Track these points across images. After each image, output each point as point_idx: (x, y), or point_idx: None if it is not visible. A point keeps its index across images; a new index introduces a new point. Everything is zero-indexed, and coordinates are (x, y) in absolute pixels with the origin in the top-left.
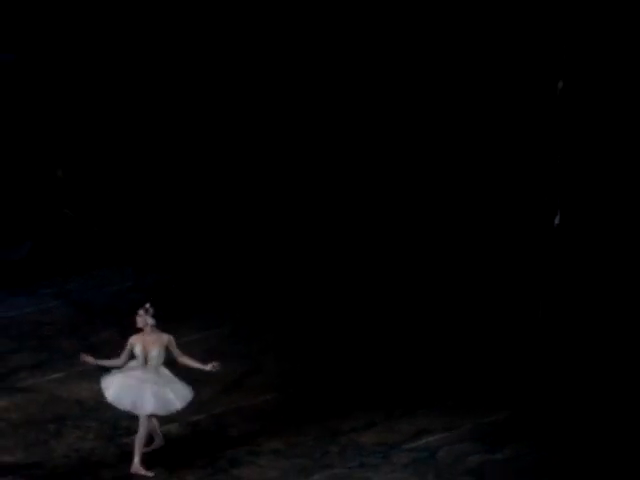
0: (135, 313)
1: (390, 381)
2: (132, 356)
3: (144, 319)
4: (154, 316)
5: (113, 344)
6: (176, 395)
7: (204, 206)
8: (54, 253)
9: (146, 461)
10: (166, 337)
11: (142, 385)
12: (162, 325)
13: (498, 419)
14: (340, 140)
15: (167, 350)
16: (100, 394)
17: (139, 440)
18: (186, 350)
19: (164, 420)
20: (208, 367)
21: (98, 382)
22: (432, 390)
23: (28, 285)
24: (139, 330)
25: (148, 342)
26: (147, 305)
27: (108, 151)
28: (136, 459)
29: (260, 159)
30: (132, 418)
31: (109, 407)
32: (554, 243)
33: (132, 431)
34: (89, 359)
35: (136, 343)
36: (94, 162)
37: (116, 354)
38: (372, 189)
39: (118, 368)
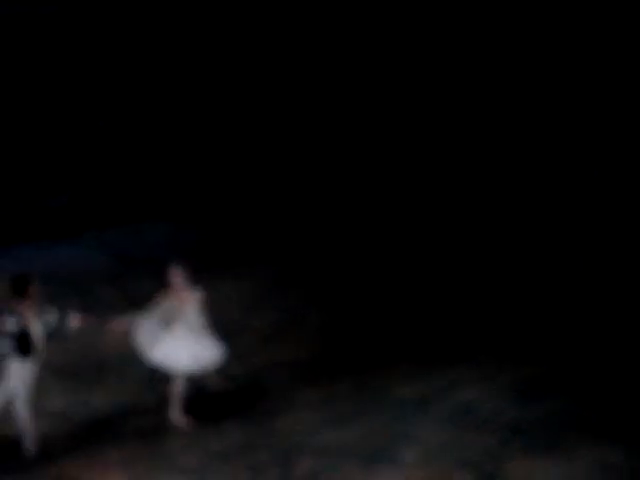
0: (169, 269)
1: (428, 334)
2: (166, 312)
3: (177, 276)
4: (187, 272)
5: (151, 295)
6: (211, 350)
7: (243, 158)
8: (95, 203)
9: (183, 412)
10: (198, 293)
11: (177, 342)
12: (200, 279)
13: (535, 373)
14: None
15: (200, 306)
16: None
17: (176, 392)
18: (224, 303)
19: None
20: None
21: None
22: (469, 344)
23: (69, 235)
24: (172, 286)
25: (181, 299)
26: (180, 262)
27: (149, 102)
28: (174, 410)
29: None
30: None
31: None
32: (593, 196)
33: (170, 378)
34: (120, 324)
35: (169, 300)
36: (135, 113)
37: (152, 307)
38: (408, 158)
39: (151, 324)
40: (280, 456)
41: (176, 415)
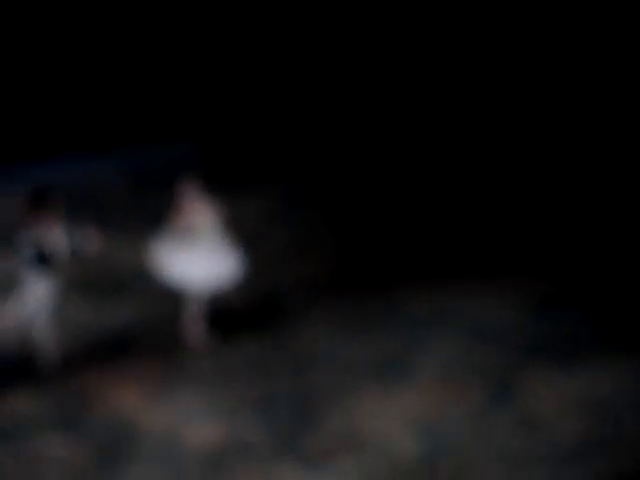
0: (185, 183)
1: (444, 251)
2: (182, 230)
3: (194, 193)
4: (203, 186)
5: (170, 212)
6: (229, 267)
7: (260, 78)
8: (115, 120)
9: (200, 327)
10: (215, 207)
11: (193, 259)
12: (216, 195)
13: (552, 288)
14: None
15: (218, 219)
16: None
17: (193, 308)
18: (242, 216)
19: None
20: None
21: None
22: (486, 260)
23: (87, 152)
24: (187, 202)
25: (197, 214)
26: (194, 176)
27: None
28: (191, 325)
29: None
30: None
31: None
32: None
33: (187, 296)
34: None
35: (185, 216)
36: (156, 30)
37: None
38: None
39: (167, 242)
40: (295, 370)
41: (193, 330)
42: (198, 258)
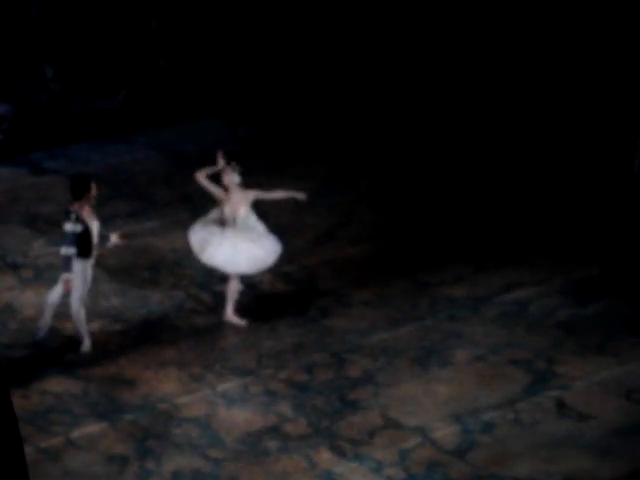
0: (222, 166)
1: (480, 235)
2: (220, 213)
3: (230, 177)
4: (239, 169)
5: (206, 195)
6: (266, 251)
7: (296, 58)
8: (149, 103)
9: (238, 310)
10: (252, 193)
11: (232, 243)
12: (254, 177)
13: (588, 274)
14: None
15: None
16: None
17: (231, 291)
18: (277, 201)
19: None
20: (299, 195)
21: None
22: (522, 245)
23: (123, 134)
24: (225, 186)
25: (235, 201)
26: (233, 163)
27: (202, 4)
28: (229, 308)
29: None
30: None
31: None
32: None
33: (226, 279)
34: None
35: (223, 203)
36: (188, 11)
37: (209, 204)
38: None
39: (206, 225)
40: (333, 356)
41: (231, 315)
42: (236, 241)
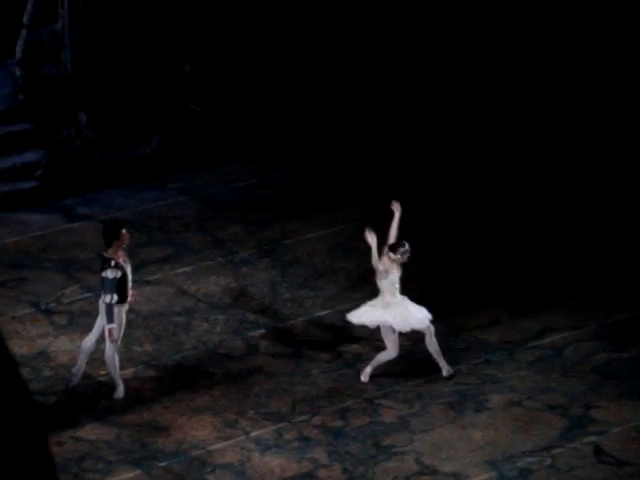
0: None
1: (515, 279)
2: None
3: (401, 257)
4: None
5: (239, 240)
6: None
7: (332, 100)
8: (181, 148)
9: (274, 355)
10: (399, 257)
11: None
12: (286, 223)
13: (624, 318)
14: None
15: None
16: (228, 288)
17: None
18: (311, 247)
19: (289, 315)
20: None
21: (225, 276)
22: (557, 289)
23: (156, 180)
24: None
25: (396, 268)
26: (406, 245)
27: (235, 47)
28: (368, 368)
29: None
30: (258, 312)
31: (235, 301)
32: None
33: (259, 324)
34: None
35: (392, 269)
36: (221, 57)
37: (242, 249)
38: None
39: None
40: (367, 401)
41: (367, 373)
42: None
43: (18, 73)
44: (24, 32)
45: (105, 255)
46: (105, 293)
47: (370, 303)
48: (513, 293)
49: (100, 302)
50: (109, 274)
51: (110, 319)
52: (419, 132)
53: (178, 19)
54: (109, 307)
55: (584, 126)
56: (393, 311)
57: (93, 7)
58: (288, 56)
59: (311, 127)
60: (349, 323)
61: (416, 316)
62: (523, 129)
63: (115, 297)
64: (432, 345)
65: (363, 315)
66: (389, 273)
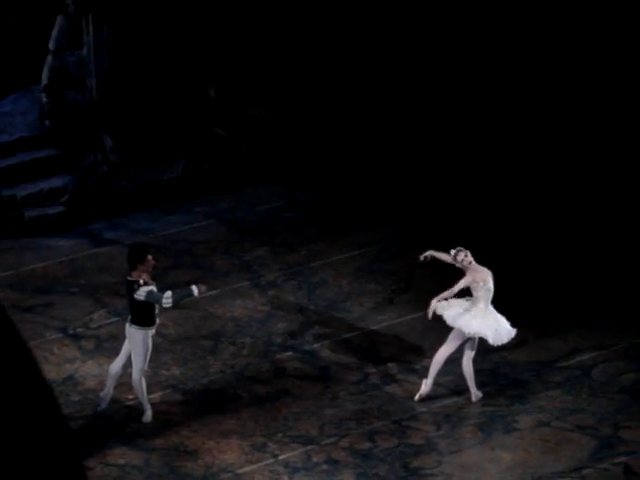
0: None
1: (543, 299)
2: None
3: (465, 258)
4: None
5: (265, 263)
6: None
7: (357, 125)
8: (206, 172)
9: (301, 378)
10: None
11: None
12: (312, 245)
13: None
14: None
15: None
16: (255, 311)
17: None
18: (337, 269)
19: (316, 337)
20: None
21: (252, 299)
22: (584, 309)
23: (182, 204)
24: (461, 269)
25: (484, 277)
26: (460, 249)
27: (259, 70)
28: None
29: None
30: (284, 335)
31: (262, 324)
32: None
33: (286, 347)
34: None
35: (482, 279)
36: (246, 81)
37: (268, 272)
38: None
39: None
40: (395, 423)
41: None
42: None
43: (44, 99)
44: (50, 58)
45: (129, 279)
46: (159, 303)
47: (460, 303)
48: (540, 314)
49: (126, 326)
50: (142, 292)
51: (182, 297)
52: (443, 156)
53: (202, 44)
54: (180, 299)
55: (599, 133)
56: (489, 323)
57: (118, 33)
58: (313, 81)
59: (336, 150)
60: (439, 316)
61: (507, 328)
62: (544, 143)
63: (169, 293)
64: (468, 366)
65: (458, 320)
66: (486, 282)
